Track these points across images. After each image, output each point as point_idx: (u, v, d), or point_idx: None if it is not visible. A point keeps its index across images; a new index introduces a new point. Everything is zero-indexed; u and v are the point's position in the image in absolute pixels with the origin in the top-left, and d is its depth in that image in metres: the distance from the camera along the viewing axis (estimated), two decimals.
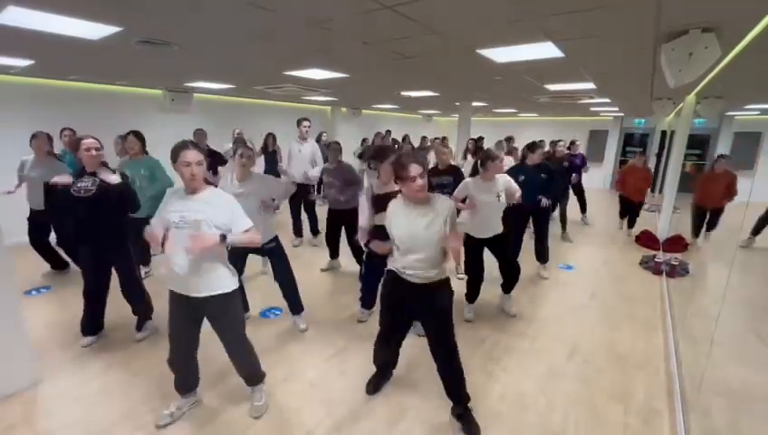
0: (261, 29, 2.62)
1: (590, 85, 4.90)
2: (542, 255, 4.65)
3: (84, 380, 2.64)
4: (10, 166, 4.57)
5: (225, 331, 2.18)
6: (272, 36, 2.80)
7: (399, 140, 9.29)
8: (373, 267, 3.34)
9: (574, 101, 6.70)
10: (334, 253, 4.70)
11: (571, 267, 5.01)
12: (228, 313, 2.16)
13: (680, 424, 2.27)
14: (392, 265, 2.22)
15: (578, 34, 2.61)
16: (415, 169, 1.96)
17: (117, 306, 3.45)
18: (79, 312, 3.01)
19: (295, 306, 3.32)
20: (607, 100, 6.69)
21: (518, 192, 3.42)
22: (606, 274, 4.88)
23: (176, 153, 1.96)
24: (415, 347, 2.98)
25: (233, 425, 2.26)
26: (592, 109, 8.65)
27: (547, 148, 6.95)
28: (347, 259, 4.76)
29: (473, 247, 3.39)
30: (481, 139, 8.46)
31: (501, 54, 3.21)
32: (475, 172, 3.53)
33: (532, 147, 4.22)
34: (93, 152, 2.75)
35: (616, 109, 8.71)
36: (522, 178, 3.87)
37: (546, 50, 2.98)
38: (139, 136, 3.86)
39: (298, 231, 5.62)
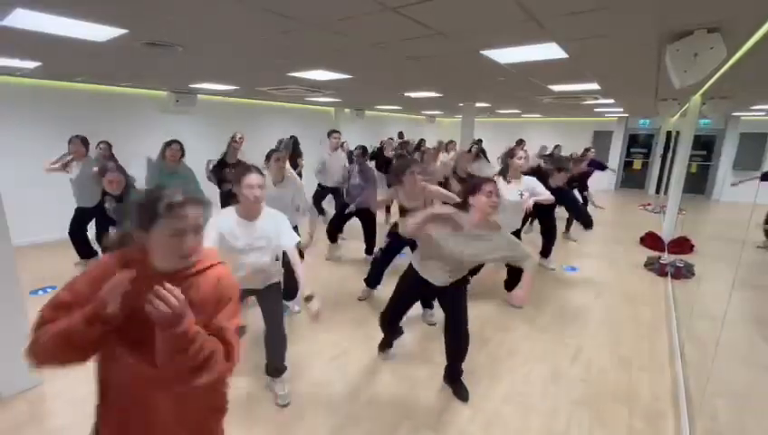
0: (265, 31, 2.63)
1: (595, 86, 4.88)
2: (546, 250, 4.81)
3: (89, 378, 2.65)
4: (15, 163, 4.63)
5: (269, 314, 2.43)
6: (276, 39, 2.81)
7: (413, 143, 9.21)
8: (389, 251, 3.66)
9: (578, 101, 6.68)
10: (333, 238, 4.93)
11: (576, 268, 4.99)
12: (275, 296, 2.44)
13: (685, 426, 2.26)
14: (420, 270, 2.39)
15: (582, 35, 2.60)
16: (490, 185, 2.15)
17: None
18: None
19: (290, 295, 3.57)
20: (611, 100, 6.66)
21: (545, 195, 3.49)
22: (610, 275, 4.86)
23: (239, 176, 2.11)
24: (416, 348, 2.98)
25: (234, 425, 2.27)
26: (597, 109, 8.62)
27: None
28: (351, 256, 4.78)
29: None
30: (479, 141, 8.42)
31: (504, 55, 3.21)
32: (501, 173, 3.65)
33: (560, 169, 4.27)
34: (114, 186, 3.23)
35: (620, 109, 8.67)
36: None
37: (550, 51, 2.97)
38: (180, 144, 4.20)
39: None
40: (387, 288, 4.00)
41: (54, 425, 2.25)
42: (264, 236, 2.17)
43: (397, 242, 3.68)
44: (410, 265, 2.48)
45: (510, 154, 3.45)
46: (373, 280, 3.84)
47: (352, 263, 4.85)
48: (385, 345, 2.90)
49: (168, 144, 4.12)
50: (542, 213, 4.49)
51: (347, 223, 4.86)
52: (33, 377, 2.56)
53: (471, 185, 2.21)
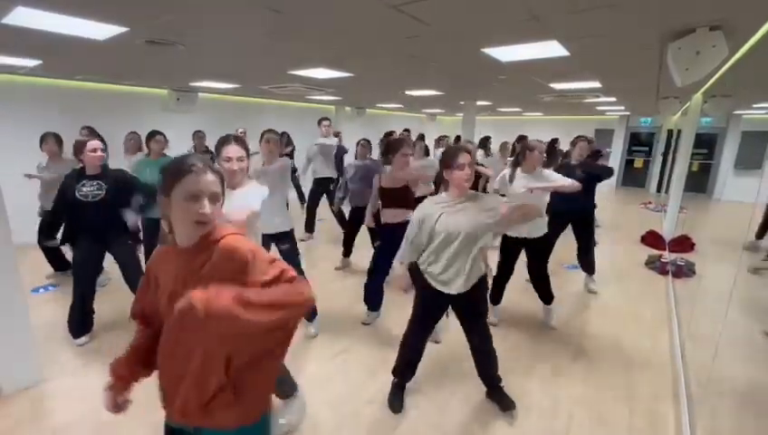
0: (266, 29, 2.63)
1: (596, 84, 4.87)
2: (589, 265, 4.27)
3: (90, 376, 2.66)
4: (16, 161, 4.62)
5: None
6: (276, 37, 2.80)
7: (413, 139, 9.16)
8: (379, 267, 3.35)
9: (580, 99, 6.66)
10: (348, 252, 4.76)
11: (576, 267, 4.98)
12: None
13: (686, 426, 2.26)
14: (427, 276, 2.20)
15: (583, 33, 2.60)
16: (464, 158, 2.04)
17: (121, 305, 3.48)
18: None
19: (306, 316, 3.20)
20: (613, 99, 6.65)
21: (566, 182, 3.14)
22: (611, 274, 4.85)
23: (218, 148, 2.03)
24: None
25: None
26: (598, 108, 8.60)
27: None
28: (357, 258, 4.77)
29: (507, 248, 3.28)
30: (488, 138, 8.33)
31: (506, 53, 3.20)
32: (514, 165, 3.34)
33: (574, 142, 3.94)
34: (99, 153, 2.87)
35: (622, 108, 8.65)
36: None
37: (551, 49, 2.97)
38: (163, 136, 3.97)
39: (310, 227, 5.71)
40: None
41: (55, 423, 2.25)
42: (239, 208, 1.88)
43: (387, 248, 3.25)
44: (418, 280, 2.26)
45: (528, 147, 3.15)
46: (373, 302, 3.45)
47: (355, 261, 4.85)
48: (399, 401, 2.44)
49: (152, 135, 3.86)
50: (577, 225, 4.11)
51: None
52: (36, 375, 2.56)
53: (444, 160, 2.12)
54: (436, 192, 2.50)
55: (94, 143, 2.87)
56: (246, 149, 2.05)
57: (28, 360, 2.54)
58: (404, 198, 3.19)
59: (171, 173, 1.07)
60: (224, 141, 2.02)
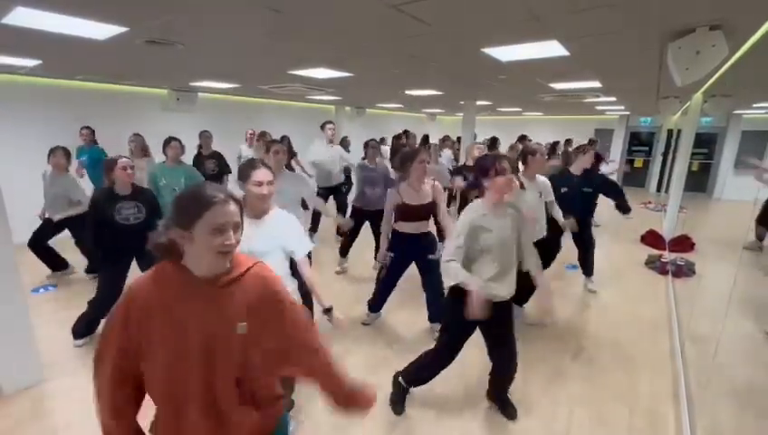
0: (266, 29, 2.63)
1: (596, 84, 4.87)
2: (588, 268, 4.29)
3: (90, 376, 2.66)
4: (16, 161, 4.64)
5: None
6: (276, 36, 2.80)
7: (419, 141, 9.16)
8: (391, 272, 3.24)
9: (580, 99, 6.66)
10: (345, 251, 4.71)
11: (576, 267, 4.98)
12: None
13: (686, 425, 2.26)
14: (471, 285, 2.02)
15: (583, 33, 2.59)
16: (505, 163, 2.01)
17: None
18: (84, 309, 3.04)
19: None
20: (613, 98, 6.65)
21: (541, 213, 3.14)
22: (611, 274, 4.85)
23: (246, 172, 1.93)
24: (415, 347, 2.97)
25: None
26: (598, 108, 8.60)
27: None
28: (358, 258, 4.77)
29: None
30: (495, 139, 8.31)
31: (506, 53, 3.20)
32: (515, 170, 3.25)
33: (584, 149, 3.80)
34: (129, 171, 2.88)
35: (622, 108, 8.65)
36: (564, 189, 3.55)
37: (551, 49, 2.96)
38: (179, 142, 3.93)
39: (314, 226, 5.67)
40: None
41: (55, 423, 2.25)
42: (270, 237, 1.92)
43: (400, 258, 3.19)
44: (455, 299, 2.14)
45: (530, 151, 3.10)
46: (376, 304, 3.43)
47: (356, 261, 4.85)
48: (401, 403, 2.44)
49: (168, 142, 3.89)
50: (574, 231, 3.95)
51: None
52: (37, 375, 2.57)
53: (484, 166, 2.03)
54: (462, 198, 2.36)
55: (125, 162, 2.87)
56: (272, 172, 1.98)
57: (28, 360, 2.54)
58: (428, 213, 3.05)
59: (192, 206, 1.02)
60: (252, 165, 1.93)
